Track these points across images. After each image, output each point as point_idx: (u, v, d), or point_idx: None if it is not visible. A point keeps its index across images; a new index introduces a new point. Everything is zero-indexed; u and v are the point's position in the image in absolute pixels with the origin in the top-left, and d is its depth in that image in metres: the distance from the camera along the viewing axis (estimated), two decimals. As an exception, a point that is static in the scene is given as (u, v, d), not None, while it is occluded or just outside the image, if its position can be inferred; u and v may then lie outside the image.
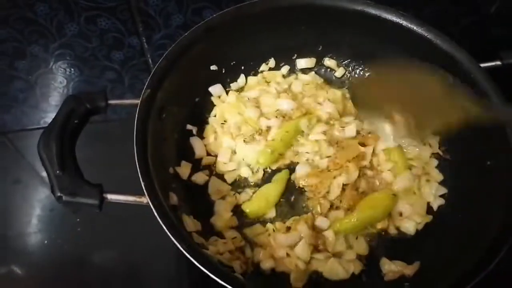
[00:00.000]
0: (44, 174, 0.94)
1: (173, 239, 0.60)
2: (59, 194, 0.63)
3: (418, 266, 0.73)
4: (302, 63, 0.96)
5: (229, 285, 0.57)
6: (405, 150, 0.84)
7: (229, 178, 0.84)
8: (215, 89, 0.91)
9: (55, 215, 0.93)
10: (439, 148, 0.85)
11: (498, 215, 0.66)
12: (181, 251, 0.60)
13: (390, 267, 0.74)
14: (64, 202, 0.63)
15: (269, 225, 0.78)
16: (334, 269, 0.73)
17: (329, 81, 0.96)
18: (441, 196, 0.82)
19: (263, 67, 0.95)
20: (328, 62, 0.96)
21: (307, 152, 0.84)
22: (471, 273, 0.61)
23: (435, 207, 0.81)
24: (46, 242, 0.89)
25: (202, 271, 0.59)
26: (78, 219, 0.91)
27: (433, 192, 0.81)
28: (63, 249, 0.89)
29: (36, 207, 0.94)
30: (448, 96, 0.67)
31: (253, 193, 0.82)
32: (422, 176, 0.83)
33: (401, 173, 0.81)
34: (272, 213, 0.80)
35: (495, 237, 0.64)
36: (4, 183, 0.96)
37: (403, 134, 0.76)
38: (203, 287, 0.85)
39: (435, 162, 0.85)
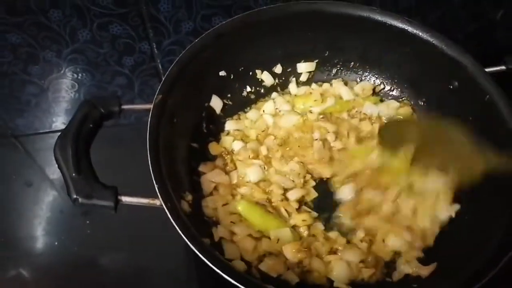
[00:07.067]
0: (54, 177, 0.98)
1: (186, 240, 0.61)
2: (75, 196, 0.64)
3: (435, 267, 0.72)
4: (302, 67, 0.96)
5: (243, 285, 0.58)
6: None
7: None
8: (214, 102, 0.90)
9: (65, 218, 0.93)
10: None
11: (505, 218, 0.67)
12: (191, 254, 0.62)
13: (406, 268, 0.74)
14: (80, 204, 0.64)
15: None
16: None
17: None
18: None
19: (266, 74, 0.95)
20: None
21: None
22: (477, 275, 0.61)
23: (453, 214, 0.78)
24: (56, 244, 0.90)
25: (212, 274, 0.60)
26: (87, 221, 0.92)
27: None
28: (72, 251, 0.89)
29: (46, 210, 0.94)
30: (470, 146, 0.69)
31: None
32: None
33: None
34: None
35: (500, 240, 0.65)
36: (15, 185, 0.97)
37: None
38: (213, 290, 0.86)
39: None
